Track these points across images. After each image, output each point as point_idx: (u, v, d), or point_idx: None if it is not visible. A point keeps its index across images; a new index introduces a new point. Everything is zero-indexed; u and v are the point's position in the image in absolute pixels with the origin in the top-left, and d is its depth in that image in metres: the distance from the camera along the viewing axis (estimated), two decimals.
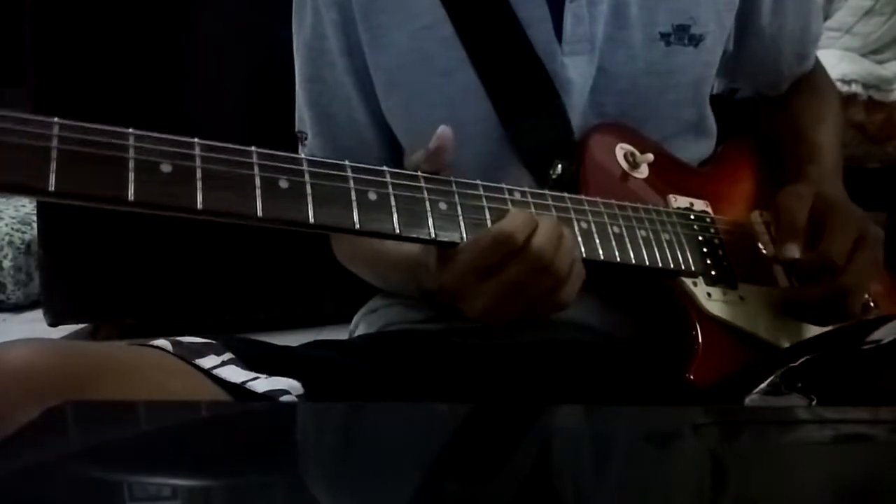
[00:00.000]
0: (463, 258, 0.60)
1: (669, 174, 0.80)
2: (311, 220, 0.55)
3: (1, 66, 2.00)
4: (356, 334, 0.88)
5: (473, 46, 0.76)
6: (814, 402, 0.59)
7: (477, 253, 0.60)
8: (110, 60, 1.90)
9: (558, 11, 0.76)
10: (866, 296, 0.79)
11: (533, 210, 0.65)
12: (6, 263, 2.49)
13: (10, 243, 2.52)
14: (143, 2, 1.92)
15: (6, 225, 2.55)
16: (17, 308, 2.51)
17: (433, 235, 0.60)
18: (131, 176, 0.50)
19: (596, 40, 0.76)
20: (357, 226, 0.57)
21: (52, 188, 0.47)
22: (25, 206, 2.68)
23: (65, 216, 1.95)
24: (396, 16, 0.77)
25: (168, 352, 0.61)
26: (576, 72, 0.76)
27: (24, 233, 2.55)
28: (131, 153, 0.50)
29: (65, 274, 2.02)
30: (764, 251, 0.80)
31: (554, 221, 0.63)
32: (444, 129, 0.63)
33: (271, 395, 0.60)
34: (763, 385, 0.62)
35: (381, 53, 0.78)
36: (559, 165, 0.75)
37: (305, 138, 0.85)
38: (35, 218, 2.20)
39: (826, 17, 1.76)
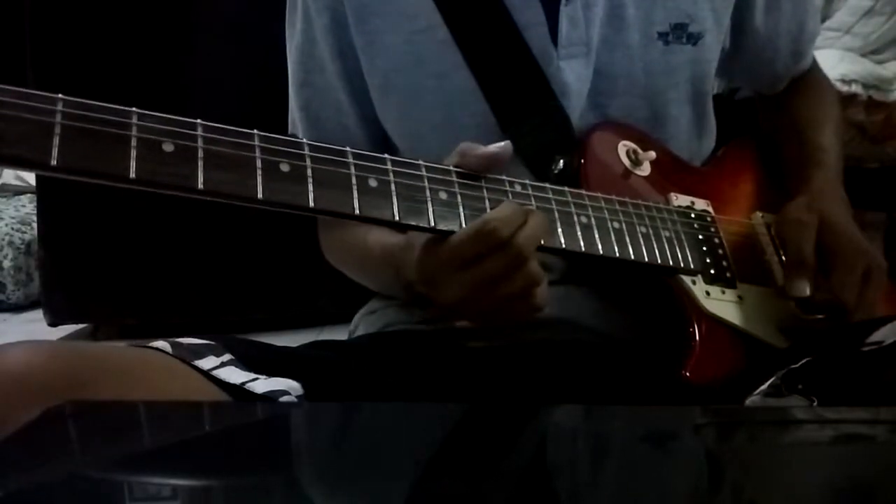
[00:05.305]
0: (447, 247, 0.60)
1: (671, 173, 0.80)
2: (312, 203, 0.55)
3: (1, 65, 2.00)
4: (356, 335, 0.88)
5: (469, 49, 0.75)
6: (815, 404, 0.59)
7: (462, 242, 0.59)
8: (110, 59, 1.90)
9: (554, 15, 0.75)
10: None
11: (533, 204, 0.64)
12: (6, 263, 2.49)
13: (10, 243, 2.52)
14: (143, 1, 1.92)
15: (6, 225, 2.55)
16: (17, 308, 2.51)
17: (432, 224, 0.59)
18: (133, 153, 0.50)
19: (592, 43, 0.76)
20: (357, 211, 0.57)
21: (53, 163, 0.47)
22: (25, 207, 2.68)
23: (65, 217, 1.95)
24: (390, 19, 0.76)
25: (167, 353, 0.61)
26: (572, 75, 0.76)
27: (24, 233, 2.55)
28: (134, 131, 0.50)
29: (65, 274, 2.02)
30: (765, 253, 0.80)
31: (544, 220, 0.62)
32: (508, 144, 0.64)
33: (271, 396, 0.60)
34: (764, 386, 0.62)
35: (376, 57, 0.78)
36: (560, 161, 0.75)
37: None
38: (35, 218, 2.20)
39: (825, 18, 1.75)
